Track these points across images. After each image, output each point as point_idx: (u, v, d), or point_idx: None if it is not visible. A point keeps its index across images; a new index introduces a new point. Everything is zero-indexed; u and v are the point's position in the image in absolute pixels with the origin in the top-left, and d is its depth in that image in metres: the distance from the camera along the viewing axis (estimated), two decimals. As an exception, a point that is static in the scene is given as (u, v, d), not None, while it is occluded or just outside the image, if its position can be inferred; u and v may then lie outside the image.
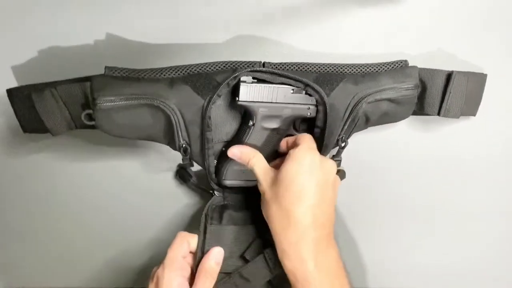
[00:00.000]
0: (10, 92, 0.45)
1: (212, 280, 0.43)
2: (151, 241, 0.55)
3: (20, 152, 0.50)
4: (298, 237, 0.41)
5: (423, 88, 0.48)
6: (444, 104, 0.47)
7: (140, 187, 0.52)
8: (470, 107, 0.49)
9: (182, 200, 0.54)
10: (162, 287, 0.42)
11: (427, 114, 0.49)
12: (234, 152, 0.45)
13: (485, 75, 0.49)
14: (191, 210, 0.54)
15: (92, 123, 0.43)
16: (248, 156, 0.45)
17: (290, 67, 0.46)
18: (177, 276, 0.43)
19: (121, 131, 0.44)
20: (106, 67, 0.43)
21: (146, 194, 0.53)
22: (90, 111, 0.42)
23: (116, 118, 0.43)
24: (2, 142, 0.50)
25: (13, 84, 0.47)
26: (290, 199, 0.41)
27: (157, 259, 0.55)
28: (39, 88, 0.43)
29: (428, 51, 0.49)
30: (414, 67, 0.47)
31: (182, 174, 0.51)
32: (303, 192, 0.41)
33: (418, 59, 0.48)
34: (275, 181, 0.43)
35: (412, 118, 0.50)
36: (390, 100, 0.46)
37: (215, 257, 0.44)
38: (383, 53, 0.49)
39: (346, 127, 0.47)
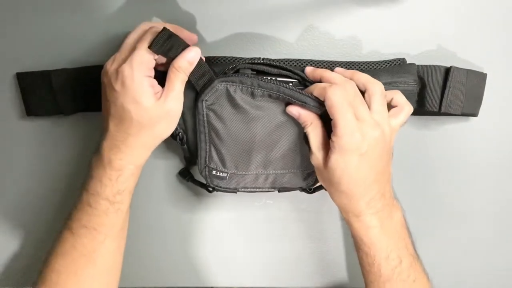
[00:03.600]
0: (20, 75, 0.48)
1: (184, 78, 0.42)
2: (150, 241, 0.54)
3: (17, 137, 0.52)
4: (360, 211, 0.42)
5: (422, 85, 0.48)
6: (444, 99, 0.47)
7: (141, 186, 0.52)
8: (471, 105, 0.48)
9: (182, 199, 0.54)
10: (133, 87, 0.39)
11: (428, 112, 0.48)
12: (293, 111, 0.43)
13: (485, 74, 0.48)
14: (190, 210, 0.54)
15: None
16: (306, 120, 0.42)
17: (288, 63, 0.47)
18: (146, 77, 0.40)
19: None
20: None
21: (146, 193, 0.53)
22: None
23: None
24: (5, 127, 0.51)
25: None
26: (345, 189, 0.41)
27: (156, 258, 0.54)
28: (57, 69, 0.47)
29: (427, 50, 0.49)
30: (412, 64, 0.47)
31: (183, 173, 0.52)
32: (356, 187, 0.41)
33: (418, 58, 0.49)
34: (326, 165, 0.41)
35: (412, 117, 0.49)
36: (390, 95, 0.46)
37: (190, 56, 0.41)
38: (382, 52, 0.49)
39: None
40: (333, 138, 0.40)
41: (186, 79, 0.42)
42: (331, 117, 0.40)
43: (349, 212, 0.43)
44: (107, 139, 0.42)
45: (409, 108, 0.44)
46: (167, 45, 0.40)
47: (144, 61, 0.40)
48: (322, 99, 0.41)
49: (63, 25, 0.48)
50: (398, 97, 0.44)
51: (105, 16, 0.48)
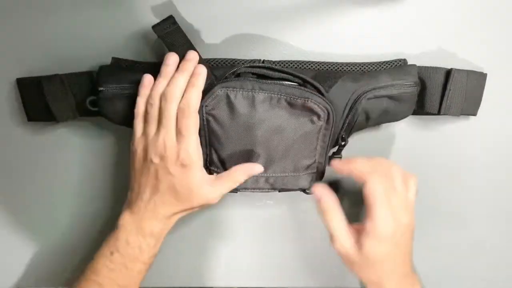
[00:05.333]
0: (20, 81, 0.48)
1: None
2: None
3: (21, 142, 0.51)
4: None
5: (422, 86, 0.48)
6: (444, 101, 0.47)
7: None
8: (470, 106, 0.49)
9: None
10: (197, 184, 0.43)
11: (428, 113, 0.48)
12: (315, 192, 0.46)
13: (485, 74, 0.49)
14: None
15: (96, 109, 0.45)
16: (326, 207, 0.45)
17: (288, 65, 0.47)
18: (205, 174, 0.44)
19: (123, 119, 0.45)
20: (112, 58, 0.45)
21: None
22: (95, 98, 0.44)
23: (118, 106, 0.44)
24: (6, 132, 0.51)
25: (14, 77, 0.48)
26: (376, 273, 0.44)
27: (156, 258, 0.54)
28: (49, 76, 0.46)
29: (427, 50, 0.49)
30: (412, 65, 0.47)
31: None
32: (387, 272, 0.44)
33: (418, 59, 0.49)
34: (358, 250, 0.43)
35: (412, 118, 0.50)
36: (390, 97, 0.46)
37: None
38: (383, 52, 0.49)
39: (346, 124, 0.47)
40: (369, 223, 0.42)
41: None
42: (367, 203, 0.42)
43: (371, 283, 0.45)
44: (148, 210, 0.44)
45: (414, 177, 0.45)
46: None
47: (199, 149, 0.43)
48: (360, 182, 0.43)
49: (65, 31, 0.48)
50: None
51: (105, 18, 0.47)
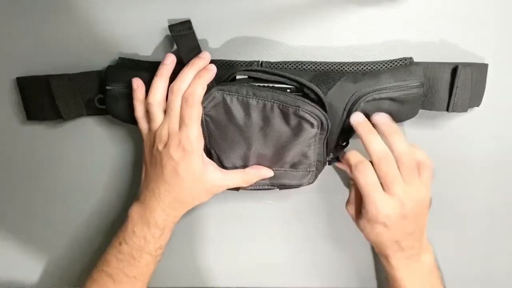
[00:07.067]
0: (20, 79, 0.48)
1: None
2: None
3: (18, 141, 0.52)
4: (387, 255, 0.45)
5: (429, 85, 0.45)
6: (452, 99, 0.45)
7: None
8: (475, 99, 0.46)
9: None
10: (200, 170, 0.44)
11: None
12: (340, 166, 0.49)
13: (486, 65, 0.46)
14: (191, 211, 0.51)
15: (103, 107, 0.47)
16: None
17: (288, 66, 0.46)
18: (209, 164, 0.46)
19: (129, 117, 0.47)
20: (119, 58, 0.48)
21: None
22: (102, 96, 0.47)
23: (124, 104, 0.47)
24: (6, 131, 0.52)
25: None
26: (371, 241, 0.46)
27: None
28: (57, 75, 0.48)
29: (428, 41, 0.48)
30: (418, 64, 0.45)
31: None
32: (381, 244, 0.45)
33: (419, 51, 0.47)
34: (356, 220, 0.46)
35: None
36: (391, 99, 0.44)
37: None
38: (384, 46, 0.48)
39: (345, 126, 0.45)
40: (363, 209, 0.44)
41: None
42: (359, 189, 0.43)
43: (380, 251, 0.47)
44: (153, 199, 0.45)
45: (426, 165, 0.43)
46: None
47: (200, 138, 0.44)
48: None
49: (64, 30, 0.48)
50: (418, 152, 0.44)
51: (105, 20, 0.48)
